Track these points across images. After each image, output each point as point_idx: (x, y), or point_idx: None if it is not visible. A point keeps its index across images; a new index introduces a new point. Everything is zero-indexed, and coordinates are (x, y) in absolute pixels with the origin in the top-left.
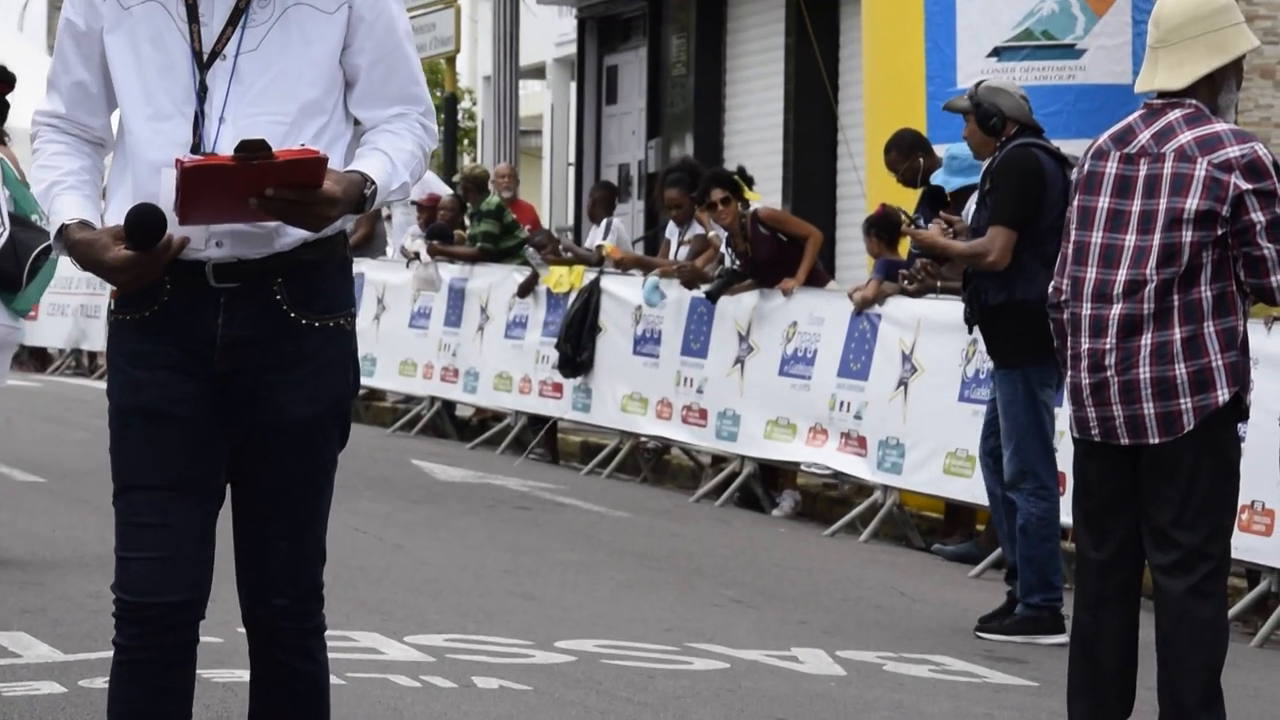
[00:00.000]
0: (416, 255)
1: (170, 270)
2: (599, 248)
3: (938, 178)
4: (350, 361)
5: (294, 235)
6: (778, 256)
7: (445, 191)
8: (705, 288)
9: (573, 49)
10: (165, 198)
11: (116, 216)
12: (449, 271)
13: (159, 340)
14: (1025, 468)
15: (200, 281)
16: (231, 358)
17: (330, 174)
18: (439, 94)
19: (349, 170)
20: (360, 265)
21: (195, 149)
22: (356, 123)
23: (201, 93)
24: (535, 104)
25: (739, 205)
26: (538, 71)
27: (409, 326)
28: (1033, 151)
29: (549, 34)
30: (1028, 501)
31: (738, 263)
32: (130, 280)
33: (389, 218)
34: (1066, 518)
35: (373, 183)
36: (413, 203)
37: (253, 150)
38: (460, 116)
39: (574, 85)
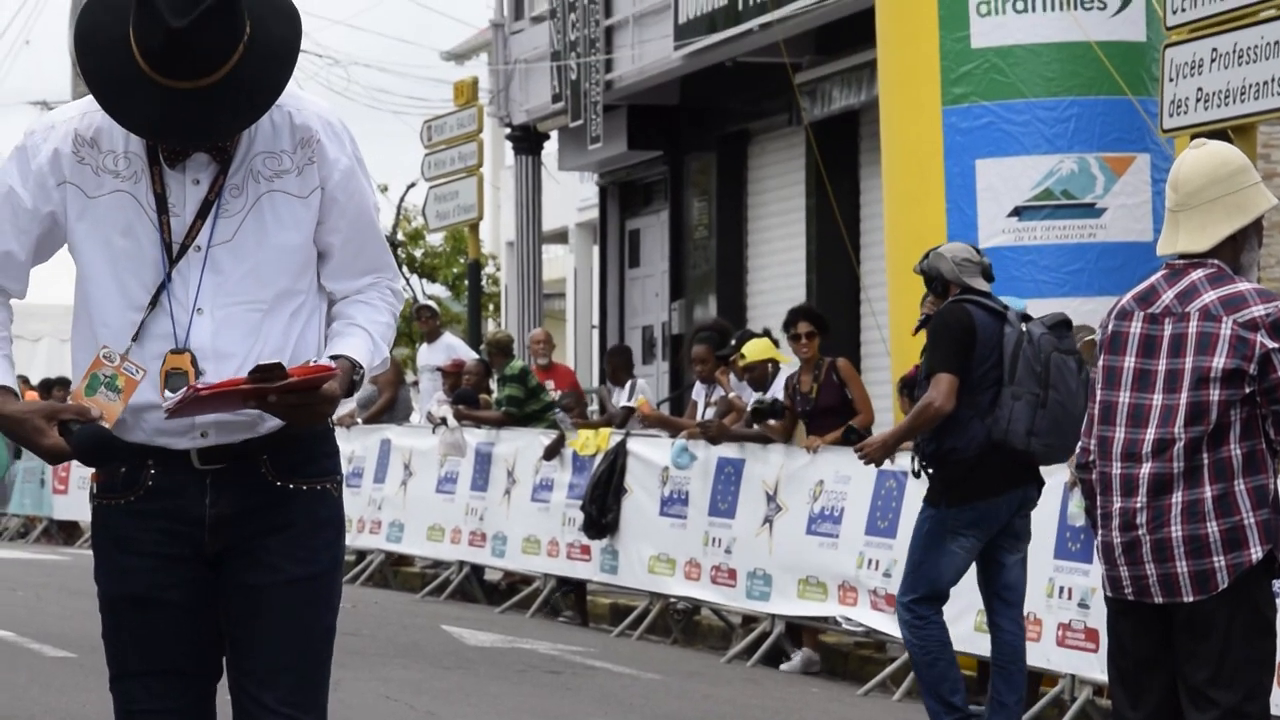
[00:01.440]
0: (443, 421)
1: (154, 455)
2: (625, 407)
3: None
4: (340, 527)
5: (271, 423)
6: (833, 409)
7: (470, 356)
8: (753, 402)
9: (595, 213)
10: (144, 393)
11: (76, 375)
12: (475, 436)
13: (146, 525)
14: (913, 595)
15: (185, 464)
16: (221, 535)
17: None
18: (463, 260)
19: (336, 356)
20: (387, 431)
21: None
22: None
23: (167, 284)
24: (558, 268)
25: (818, 345)
26: (560, 236)
27: (436, 491)
28: (964, 307)
29: (571, 199)
30: (908, 630)
31: (795, 399)
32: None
33: (415, 384)
34: (1103, 675)
35: (360, 367)
36: (438, 369)
37: (268, 374)
38: (484, 282)
39: (597, 249)
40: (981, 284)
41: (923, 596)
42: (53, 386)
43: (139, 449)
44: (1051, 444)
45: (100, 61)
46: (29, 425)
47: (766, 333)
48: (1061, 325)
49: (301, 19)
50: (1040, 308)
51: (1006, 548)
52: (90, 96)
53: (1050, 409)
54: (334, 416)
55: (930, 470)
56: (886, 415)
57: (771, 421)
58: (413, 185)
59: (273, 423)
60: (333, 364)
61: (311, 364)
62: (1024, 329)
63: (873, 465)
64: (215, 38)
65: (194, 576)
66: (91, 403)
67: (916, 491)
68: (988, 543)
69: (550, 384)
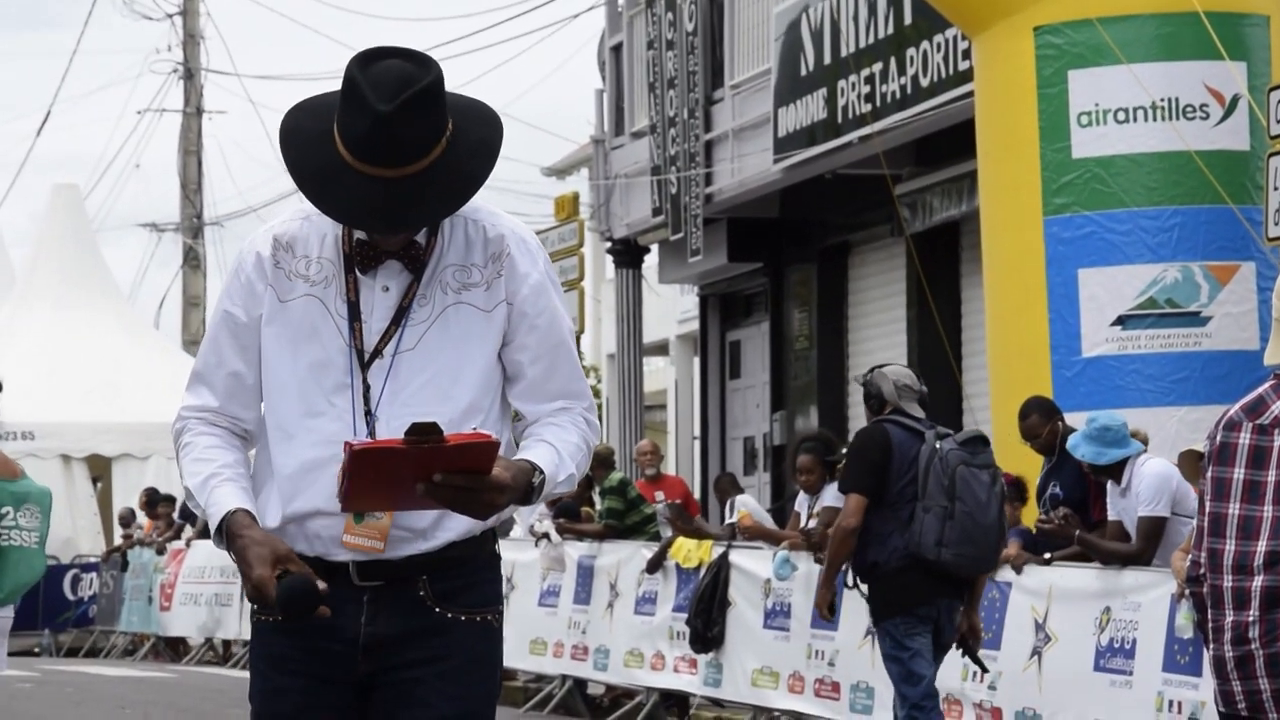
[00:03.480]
0: (546, 536)
1: (311, 569)
2: (728, 525)
3: (1081, 450)
4: (497, 662)
5: (444, 536)
6: None
7: None
8: None
9: (695, 325)
10: (326, 492)
11: (263, 515)
12: (577, 548)
13: (301, 643)
14: (910, 703)
15: (343, 580)
16: (375, 658)
17: (499, 460)
18: None
19: (517, 458)
20: None
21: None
22: (517, 416)
23: (365, 391)
24: (659, 380)
25: None
26: (661, 348)
27: (538, 605)
28: (883, 426)
29: (671, 311)
30: None
31: None
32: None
33: None
34: None
35: (541, 472)
36: None
37: (424, 434)
38: None
39: (697, 361)
40: (916, 410)
41: (917, 702)
42: (158, 503)
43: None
44: (962, 554)
45: (303, 154)
46: (256, 554)
47: None
48: (974, 441)
49: (503, 123)
50: (1145, 417)
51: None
52: (292, 207)
53: (958, 520)
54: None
55: (864, 584)
56: None
57: None
58: None
59: (437, 540)
60: (494, 436)
61: (473, 430)
62: (936, 445)
63: (833, 604)
64: (419, 125)
65: (342, 704)
66: (363, 529)
67: (1022, 602)
68: None
69: (661, 495)
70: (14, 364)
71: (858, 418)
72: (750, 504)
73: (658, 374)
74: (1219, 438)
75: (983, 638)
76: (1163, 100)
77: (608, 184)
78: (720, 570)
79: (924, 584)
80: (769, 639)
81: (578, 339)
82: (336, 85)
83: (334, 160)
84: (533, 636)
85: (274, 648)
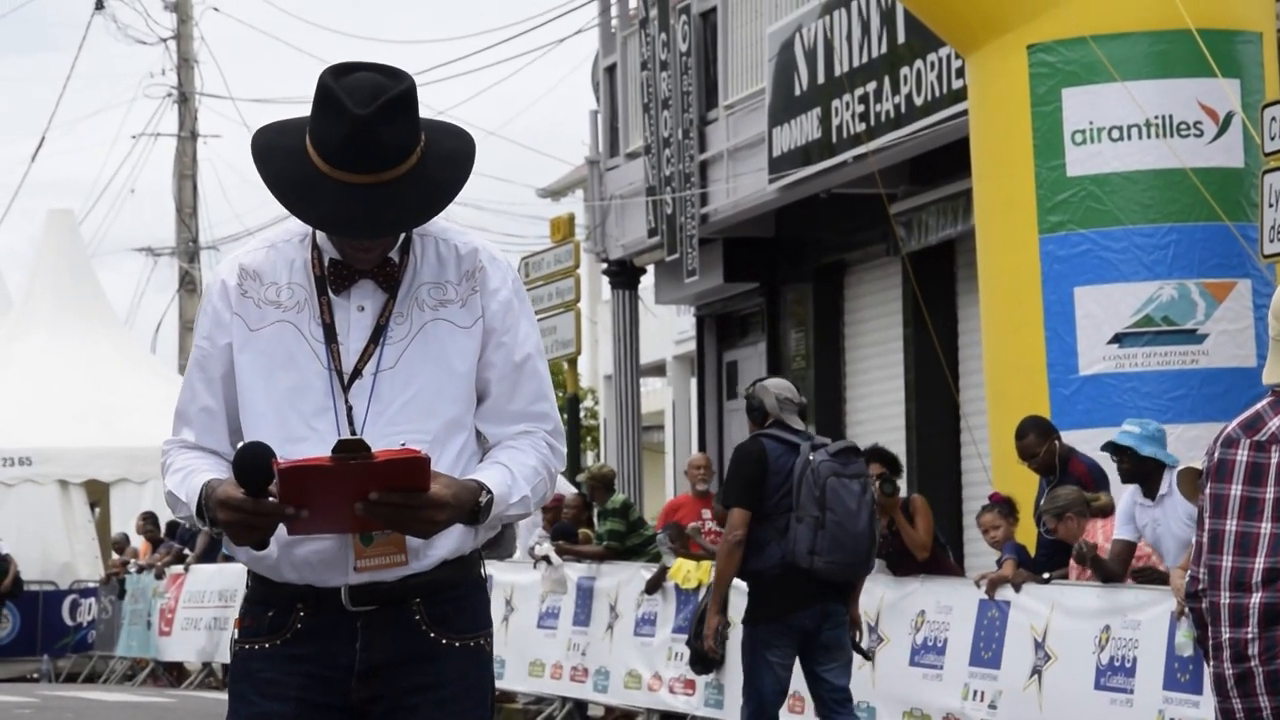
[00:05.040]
0: (546, 559)
1: (302, 597)
2: None
3: (1128, 439)
4: (490, 686)
5: (435, 554)
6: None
7: (569, 490)
8: None
9: (692, 346)
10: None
11: (244, 552)
12: (576, 570)
13: (292, 670)
14: (747, 712)
15: (335, 606)
16: (370, 685)
17: (439, 477)
18: (561, 394)
19: (466, 477)
20: (488, 567)
21: None
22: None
23: (349, 412)
24: (656, 401)
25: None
26: (658, 369)
27: (537, 627)
28: (759, 440)
29: (668, 332)
30: None
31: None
32: (234, 523)
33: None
34: None
35: (489, 492)
36: None
37: (351, 450)
38: (582, 416)
39: (695, 381)
40: (797, 422)
41: (752, 714)
42: (157, 528)
43: (288, 592)
44: (834, 561)
45: (280, 167)
46: (220, 488)
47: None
48: (846, 452)
49: (474, 142)
50: None
51: (821, 660)
52: (257, 237)
53: (829, 529)
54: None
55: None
56: (987, 546)
57: None
58: None
59: (428, 559)
60: (425, 452)
61: (403, 445)
62: (810, 458)
63: (721, 631)
64: (396, 130)
65: None
66: (374, 549)
67: (1021, 621)
68: (805, 658)
69: (706, 513)
70: (10, 389)
71: (856, 436)
72: None
73: (655, 395)
74: (1217, 454)
75: (861, 627)
76: (1157, 118)
77: (603, 205)
78: None
79: (800, 591)
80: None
81: (574, 361)
82: None
83: (311, 172)
84: (532, 658)
85: (262, 673)
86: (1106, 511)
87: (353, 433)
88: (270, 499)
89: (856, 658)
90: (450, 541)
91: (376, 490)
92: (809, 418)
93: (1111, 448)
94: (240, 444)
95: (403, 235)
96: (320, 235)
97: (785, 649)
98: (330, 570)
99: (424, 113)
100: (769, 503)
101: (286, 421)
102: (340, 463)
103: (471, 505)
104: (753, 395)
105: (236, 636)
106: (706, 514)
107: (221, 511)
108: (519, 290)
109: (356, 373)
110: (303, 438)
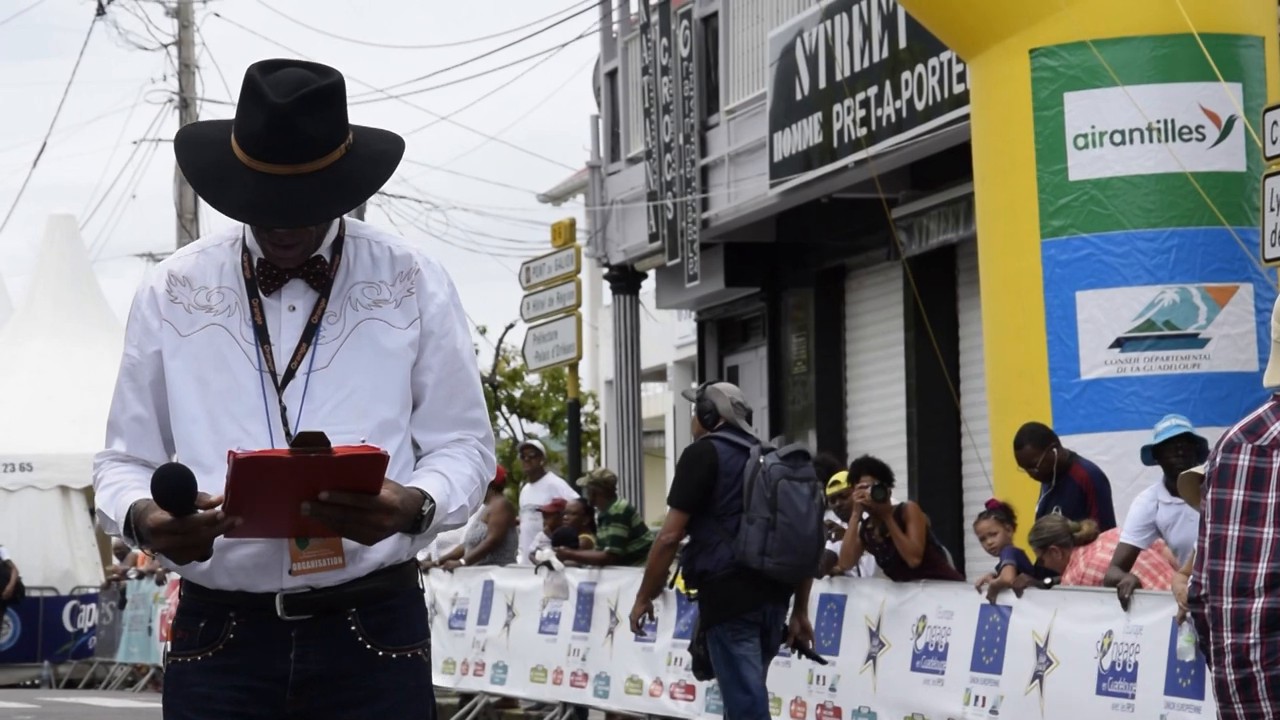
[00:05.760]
0: (548, 564)
1: (235, 605)
2: None
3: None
4: (429, 696)
5: (372, 558)
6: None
7: (571, 496)
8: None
9: (693, 350)
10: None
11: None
12: (578, 575)
13: (225, 682)
14: (740, 709)
15: (269, 615)
16: (305, 696)
17: (388, 482)
18: (562, 399)
19: (409, 485)
20: (490, 573)
21: None
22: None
23: (282, 413)
24: (657, 405)
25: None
26: (659, 374)
27: (539, 632)
28: (710, 443)
29: (669, 337)
30: None
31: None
32: (171, 548)
33: (518, 524)
34: None
35: (432, 501)
36: (539, 509)
37: (310, 443)
38: (583, 420)
39: (695, 386)
40: (746, 426)
41: (747, 709)
42: None
43: (221, 600)
44: (784, 562)
45: (200, 156)
46: (147, 512)
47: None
48: (796, 455)
49: (404, 144)
50: (1144, 439)
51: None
52: (184, 247)
53: (780, 530)
54: (431, 555)
55: (695, 592)
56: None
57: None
58: (511, 326)
59: (364, 563)
60: (385, 450)
61: (362, 443)
62: (760, 460)
63: (642, 621)
64: (315, 122)
65: None
66: (310, 552)
67: (1022, 626)
68: None
69: None
70: (11, 395)
71: (857, 441)
72: None
73: (656, 399)
74: (1218, 459)
75: (812, 633)
76: (1159, 122)
77: (604, 210)
78: None
79: (750, 591)
80: (771, 665)
81: (575, 366)
82: None
83: (231, 162)
84: (533, 664)
85: (195, 688)
86: (1089, 540)
87: (287, 434)
88: (199, 512)
89: (804, 662)
90: (387, 547)
91: (330, 487)
92: (810, 422)
93: (1186, 438)
94: (154, 472)
95: (333, 234)
96: (249, 238)
97: (752, 638)
98: (264, 574)
99: (417, 117)
100: (719, 504)
101: (219, 425)
102: (299, 455)
103: (415, 513)
104: (704, 397)
105: (169, 650)
106: None
107: (156, 540)
108: (454, 295)
109: (290, 373)
110: (236, 440)
